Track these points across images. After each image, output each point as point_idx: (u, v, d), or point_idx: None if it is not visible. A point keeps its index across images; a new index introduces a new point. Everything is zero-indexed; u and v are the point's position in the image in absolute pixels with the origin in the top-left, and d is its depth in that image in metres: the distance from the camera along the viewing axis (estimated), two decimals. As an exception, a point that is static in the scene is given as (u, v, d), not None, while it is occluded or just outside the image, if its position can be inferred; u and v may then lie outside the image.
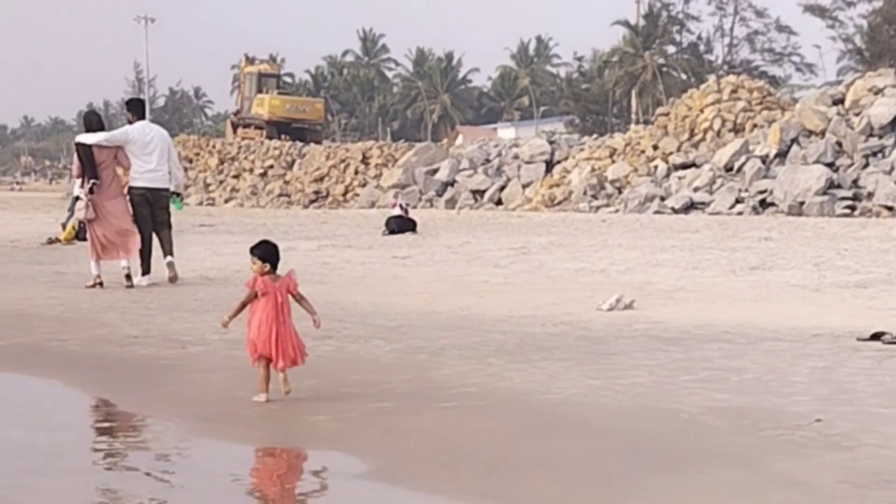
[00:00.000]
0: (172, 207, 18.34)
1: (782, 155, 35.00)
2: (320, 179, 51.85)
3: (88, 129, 17.45)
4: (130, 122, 17.76)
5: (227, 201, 53.81)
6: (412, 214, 30.29)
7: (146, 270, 17.60)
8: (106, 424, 8.89)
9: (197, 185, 56.94)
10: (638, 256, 20.48)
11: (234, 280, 17.89)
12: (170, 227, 18.10)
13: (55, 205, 51.50)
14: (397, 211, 29.46)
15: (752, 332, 12.06)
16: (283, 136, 60.86)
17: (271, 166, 55.48)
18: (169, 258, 17.82)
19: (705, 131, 40.18)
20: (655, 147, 40.46)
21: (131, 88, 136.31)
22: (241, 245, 23.84)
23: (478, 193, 43.28)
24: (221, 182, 56.79)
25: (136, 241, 17.33)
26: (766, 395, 8.85)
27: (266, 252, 9.30)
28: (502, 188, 43.03)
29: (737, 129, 39.76)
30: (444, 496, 6.69)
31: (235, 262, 20.20)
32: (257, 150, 57.30)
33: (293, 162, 55.12)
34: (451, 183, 44.53)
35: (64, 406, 9.66)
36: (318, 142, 60.99)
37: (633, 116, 79.59)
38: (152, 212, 17.77)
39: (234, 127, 66.87)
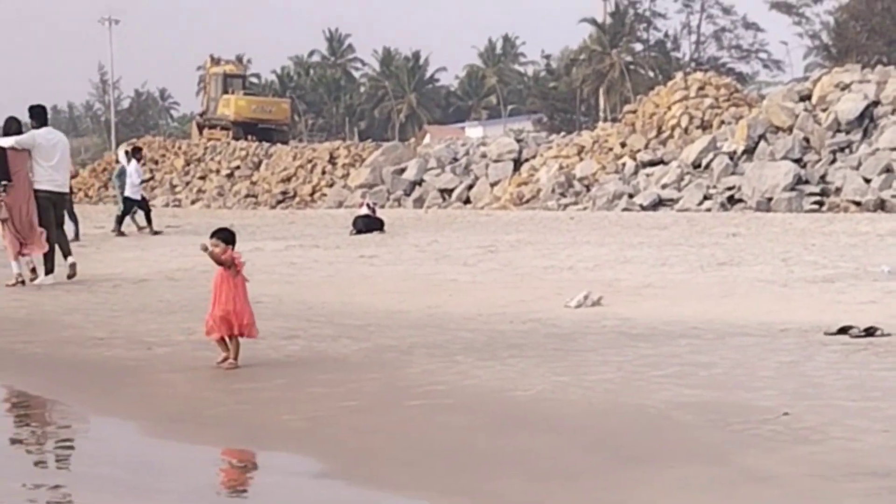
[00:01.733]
0: None
1: (750, 151, 35.09)
2: (287, 180, 51.74)
3: (6, 134, 17.83)
4: (35, 128, 18.04)
5: (193, 202, 53.62)
6: (380, 214, 30.24)
7: (50, 269, 17.83)
8: (69, 425, 8.80)
9: (163, 186, 56.73)
10: (606, 253, 20.48)
11: (201, 281, 17.79)
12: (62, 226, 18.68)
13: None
14: (365, 210, 29.40)
15: (720, 327, 12.06)
16: (249, 137, 60.67)
17: (238, 167, 55.31)
18: (71, 259, 18.09)
19: (673, 128, 40.26)
20: (623, 144, 40.52)
21: (95, 90, 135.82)
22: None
23: (446, 192, 43.26)
24: (188, 183, 56.60)
25: (44, 239, 17.62)
26: (735, 390, 8.85)
27: (230, 236, 10.58)
28: (470, 187, 43.02)
29: (704, 126, 39.85)
30: (414, 494, 6.65)
31: (202, 263, 20.03)
32: (224, 151, 57.12)
33: (260, 162, 54.97)
34: (419, 182, 44.50)
35: (24, 408, 9.58)
36: (285, 142, 60.81)
37: (601, 114, 79.76)
38: (55, 213, 18.22)
39: (200, 128, 66.61)
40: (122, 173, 31.82)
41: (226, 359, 10.31)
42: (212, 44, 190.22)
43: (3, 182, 17.33)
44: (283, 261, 20.89)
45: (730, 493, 6.36)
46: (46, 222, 17.76)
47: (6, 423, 8.92)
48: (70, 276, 17.90)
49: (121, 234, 29.79)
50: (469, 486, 6.69)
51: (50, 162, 17.77)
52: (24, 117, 18.62)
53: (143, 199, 31.87)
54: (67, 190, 18.84)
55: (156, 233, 29.97)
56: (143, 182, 32.28)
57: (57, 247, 17.97)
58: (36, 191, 17.75)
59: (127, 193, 30.68)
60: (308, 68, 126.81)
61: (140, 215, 31.06)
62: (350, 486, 6.89)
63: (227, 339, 10.35)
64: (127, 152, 33.98)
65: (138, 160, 32.29)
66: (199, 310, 14.45)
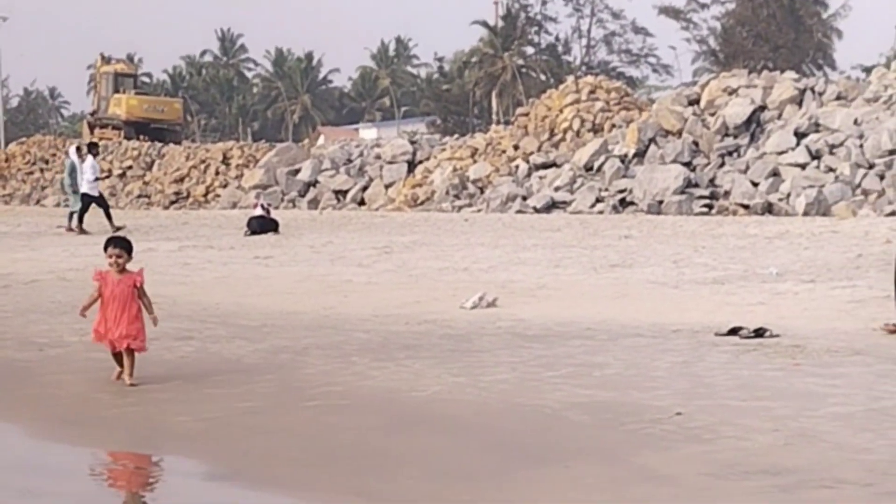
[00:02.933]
0: None
1: (641, 154, 35.42)
2: (180, 180, 51.24)
3: None
4: None
5: (84, 202, 52.93)
6: (274, 215, 30.09)
7: None
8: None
9: (53, 186, 55.88)
10: (500, 255, 20.59)
11: (93, 282, 17.61)
12: None
13: None
14: (259, 211, 29.24)
15: (613, 328, 12.20)
16: (141, 137, 59.96)
17: (130, 167, 54.67)
18: None
19: (565, 131, 40.52)
20: (516, 147, 40.70)
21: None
22: (99, 247, 23.43)
23: (340, 194, 43.14)
24: (79, 183, 55.87)
25: None
26: (628, 390, 8.96)
27: (129, 245, 10.12)
28: (365, 188, 42.94)
29: (596, 129, 40.14)
30: (312, 495, 6.65)
31: (94, 264, 19.79)
32: (115, 151, 56.41)
33: (152, 163, 54.39)
34: (314, 183, 44.31)
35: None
36: (178, 142, 60.20)
37: (494, 117, 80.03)
38: None
39: (91, 127, 65.68)
40: (73, 170, 31.50)
41: (121, 374, 9.87)
42: (102, 42, 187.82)
43: None
44: (176, 261, 20.72)
45: (624, 491, 6.45)
46: None
47: None
48: None
49: (83, 231, 29.49)
50: (366, 486, 6.71)
51: None
52: None
53: (101, 195, 31.48)
54: None
55: (118, 228, 29.48)
56: (97, 179, 31.68)
57: None
58: None
59: (84, 190, 30.33)
60: (200, 68, 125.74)
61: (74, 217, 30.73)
62: (245, 487, 6.87)
63: (122, 353, 9.83)
64: (78, 148, 33.59)
65: (94, 155, 31.97)
66: (91, 311, 14.31)
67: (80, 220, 29.94)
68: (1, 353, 11.33)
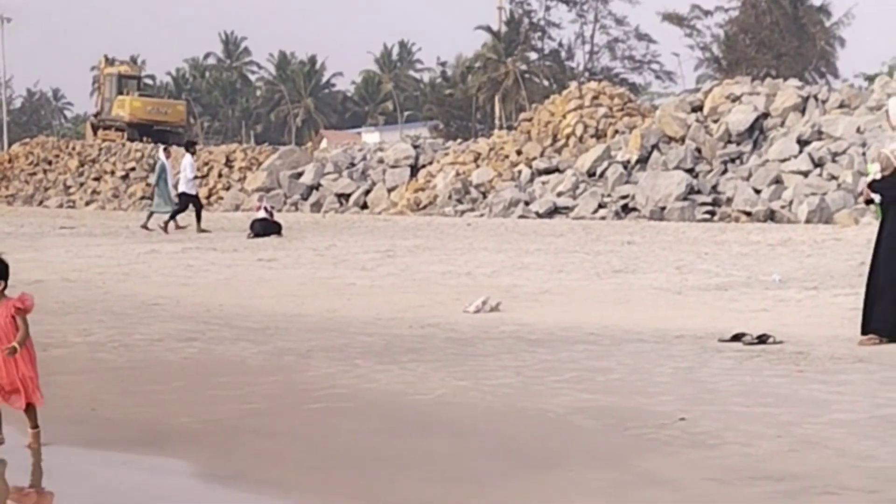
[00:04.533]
0: None
1: (643, 161, 35.42)
2: (183, 182, 51.27)
3: None
4: None
5: (87, 204, 52.90)
6: (277, 217, 30.09)
7: None
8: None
9: (57, 187, 55.93)
10: (503, 260, 20.60)
11: (96, 282, 17.64)
12: None
13: None
14: (262, 214, 29.24)
15: (616, 333, 12.20)
16: (144, 139, 60.04)
17: (133, 168, 54.68)
18: None
19: (568, 137, 40.51)
20: (519, 152, 40.69)
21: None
22: (103, 248, 23.52)
23: (343, 197, 43.14)
24: (82, 184, 55.83)
25: None
26: (632, 395, 8.97)
27: (4, 268, 7.77)
28: (367, 192, 42.94)
29: (598, 135, 40.13)
30: (315, 498, 6.66)
31: (97, 265, 19.89)
32: (118, 153, 56.43)
33: (155, 164, 54.47)
34: (316, 186, 44.32)
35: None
36: (181, 144, 60.27)
37: (497, 122, 79.98)
38: None
39: (95, 129, 65.71)
40: (162, 171, 31.84)
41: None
42: (106, 44, 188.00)
43: None
44: (179, 263, 20.72)
45: (628, 496, 6.45)
46: None
47: None
48: None
49: (179, 227, 29.83)
50: (369, 489, 6.72)
51: None
52: None
53: (197, 195, 31.62)
54: None
55: (203, 231, 29.55)
56: (195, 178, 31.79)
57: None
58: None
59: (183, 188, 30.63)
60: (203, 71, 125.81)
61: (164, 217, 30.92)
62: (248, 489, 6.88)
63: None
64: (166, 149, 33.88)
65: (192, 154, 32.32)
66: (95, 311, 14.39)
67: (173, 218, 30.28)
68: (5, 353, 11.33)
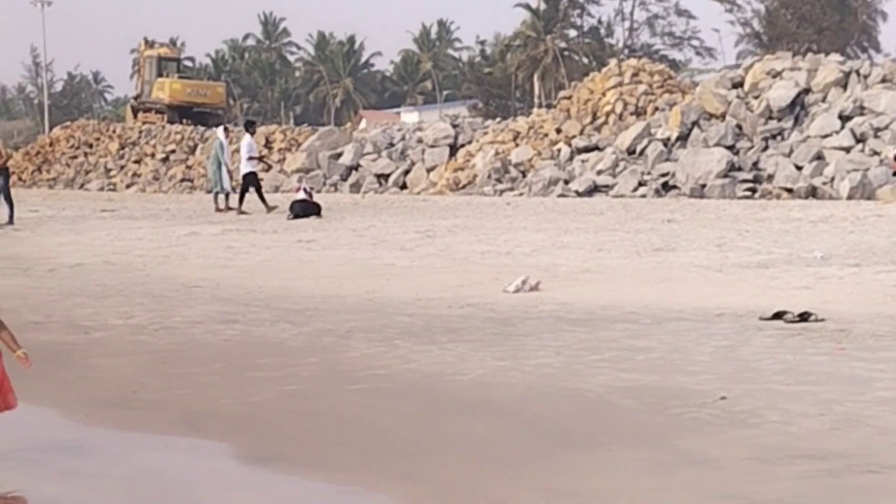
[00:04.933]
0: None
1: (683, 138, 35.26)
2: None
3: None
4: None
5: (128, 186, 53.15)
6: (316, 198, 30.11)
7: None
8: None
9: (97, 170, 56.22)
10: (543, 239, 20.55)
11: (137, 265, 17.72)
12: None
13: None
14: (302, 195, 29.27)
15: (656, 312, 12.15)
16: (184, 121, 60.22)
17: (173, 151, 54.88)
18: None
19: (607, 114, 40.37)
20: (558, 130, 40.58)
21: (28, 73, 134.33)
22: (143, 230, 23.62)
23: (382, 177, 43.16)
24: (122, 167, 56.11)
25: None
26: (672, 374, 8.93)
27: None
28: (407, 172, 42.93)
29: (638, 113, 39.98)
30: (355, 478, 6.67)
31: (138, 247, 19.97)
32: (158, 135, 56.65)
33: (195, 146, 54.57)
34: (356, 167, 44.35)
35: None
36: (219, 125, 60.46)
37: (536, 100, 79.81)
38: None
39: (135, 111, 65.95)
40: (221, 150, 32.12)
41: None
42: (145, 26, 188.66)
43: None
44: (219, 245, 20.79)
45: (669, 475, 6.43)
46: None
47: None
48: None
49: (242, 212, 29.77)
50: (411, 470, 6.72)
51: None
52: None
53: (256, 174, 31.69)
54: None
55: (271, 208, 29.67)
56: (252, 158, 31.66)
57: None
58: None
59: (245, 169, 30.74)
60: (243, 52, 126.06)
61: (221, 197, 31.26)
62: (288, 470, 6.89)
63: None
64: (226, 128, 34.02)
65: (252, 134, 32.41)
66: (135, 294, 14.45)
67: (241, 201, 30.37)
68: (47, 336, 11.40)
